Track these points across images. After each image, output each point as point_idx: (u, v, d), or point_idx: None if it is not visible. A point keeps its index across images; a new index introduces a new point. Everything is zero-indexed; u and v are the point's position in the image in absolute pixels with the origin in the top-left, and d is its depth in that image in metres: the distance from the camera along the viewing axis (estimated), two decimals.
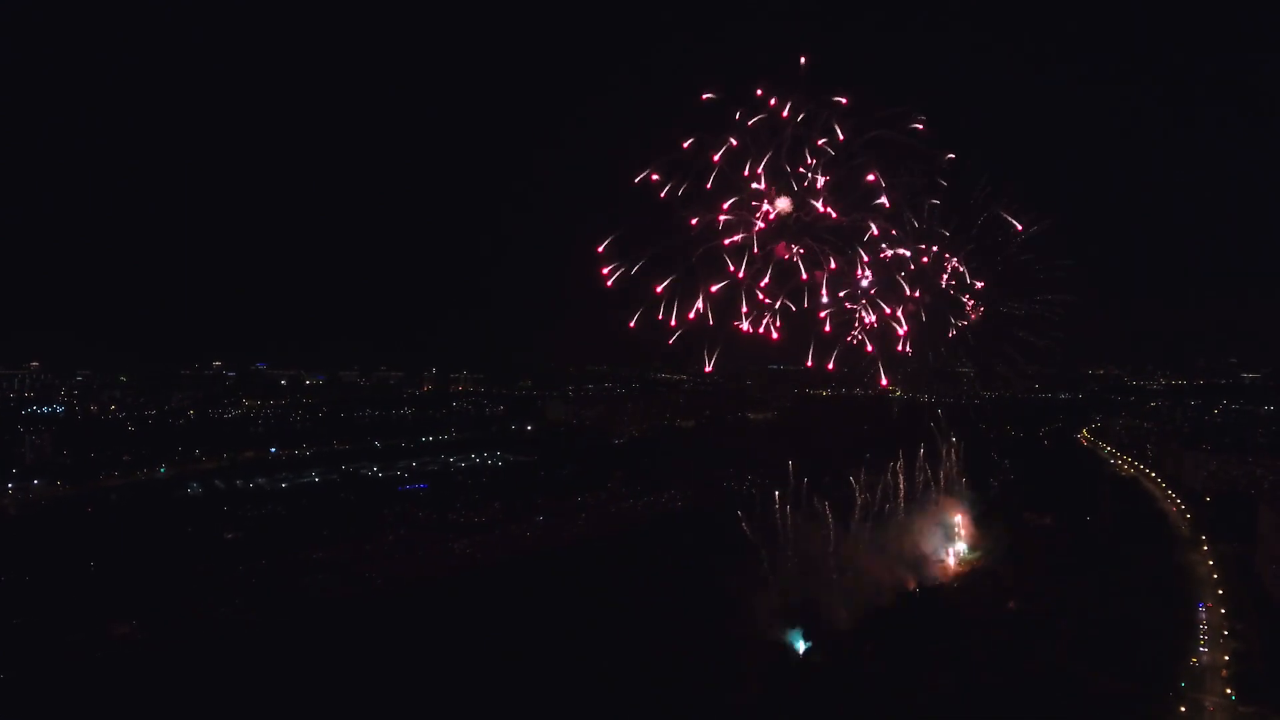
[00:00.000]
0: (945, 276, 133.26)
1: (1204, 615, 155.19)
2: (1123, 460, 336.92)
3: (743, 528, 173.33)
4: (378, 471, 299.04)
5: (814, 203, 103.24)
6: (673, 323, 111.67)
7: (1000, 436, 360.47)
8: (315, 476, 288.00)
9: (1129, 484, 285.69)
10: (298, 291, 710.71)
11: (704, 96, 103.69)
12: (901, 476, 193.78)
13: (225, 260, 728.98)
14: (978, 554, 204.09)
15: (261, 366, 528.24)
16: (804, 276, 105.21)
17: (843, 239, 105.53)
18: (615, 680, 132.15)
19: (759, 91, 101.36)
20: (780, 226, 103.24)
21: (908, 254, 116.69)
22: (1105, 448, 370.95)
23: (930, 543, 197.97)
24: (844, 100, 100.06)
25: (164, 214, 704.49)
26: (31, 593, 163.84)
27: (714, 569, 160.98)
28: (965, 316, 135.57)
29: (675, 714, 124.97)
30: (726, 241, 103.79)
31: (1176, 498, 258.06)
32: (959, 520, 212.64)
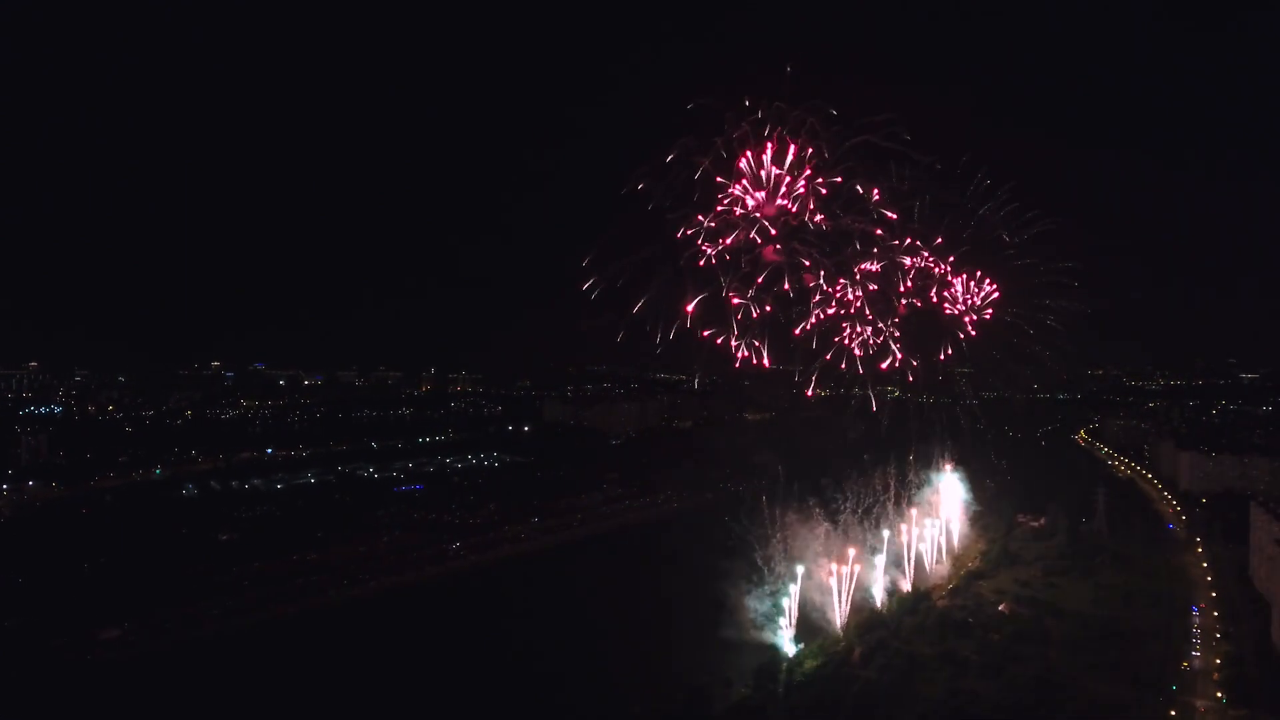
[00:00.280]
0: (938, 283, 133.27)
1: (1197, 618, 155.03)
2: (1120, 461, 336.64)
3: (737, 530, 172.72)
4: (374, 473, 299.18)
5: (799, 207, 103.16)
6: (657, 337, 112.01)
7: (998, 437, 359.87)
8: (311, 478, 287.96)
9: (1125, 485, 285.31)
10: (297, 292, 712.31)
11: (692, 104, 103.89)
12: (895, 478, 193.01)
13: (225, 260, 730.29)
14: (971, 556, 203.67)
15: (260, 367, 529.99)
16: (786, 286, 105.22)
17: (831, 244, 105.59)
18: (608, 681, 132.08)
19: (746, 100, 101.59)
20: (768, 231, 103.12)
21: (905, 260, 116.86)
22: (1102, 449, 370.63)
23: (923, 545, 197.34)
24: (832, 110, 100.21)
25: (164, 214, 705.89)
26: (22, 596, 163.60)
27: (707, 571, 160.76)
28: (962, 327, 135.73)
29: (667, 715, 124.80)
30: (712, 250, 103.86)
31: (1172, 499, 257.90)
32: (953, 522, 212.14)
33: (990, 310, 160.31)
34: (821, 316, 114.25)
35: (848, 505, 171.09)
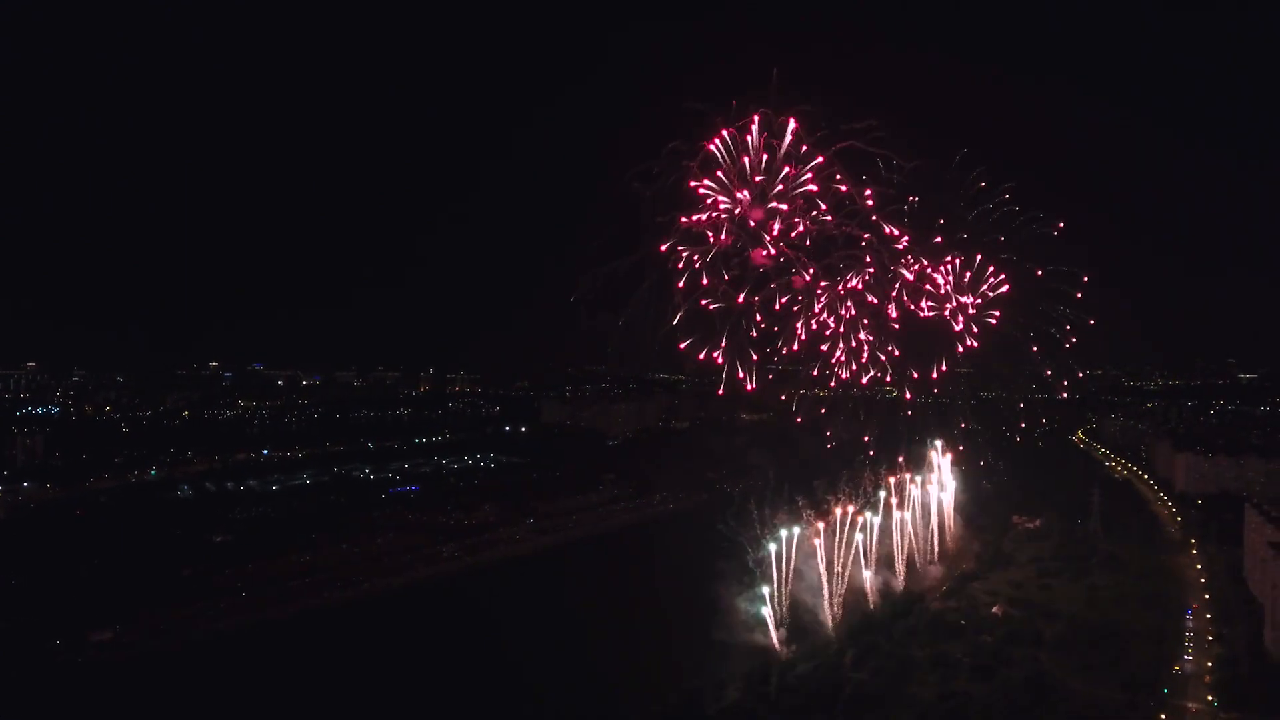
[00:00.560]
0: (936, 287, 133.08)
1: (1190, 620, 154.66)
2: (1116, 462, 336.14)
3: (731, 531, 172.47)
4: (369, 473, 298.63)
5: (788, 209, 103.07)
6: (650, 338, 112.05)
7: (995, 437, 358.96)
8: (307, 478, 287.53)
9: (1121, 486, 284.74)
10: (295, 292, 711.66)
11: (684, 107, 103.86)
12: (892, 480, 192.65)
13: (224, 261, 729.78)
14: (965, 557, 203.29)
15: (258, 367, 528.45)
16: (775, 288, 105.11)
17: (819, 248, 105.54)
18: (600, 684, 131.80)
19: (734, 102, 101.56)
20: (755, 234, 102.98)
21: (902, 270, 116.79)
22: (1100, 449, 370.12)
23: (917, 547, 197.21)
24: (812, 110, 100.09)
25: (164, 214, 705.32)
26: (15, 597, 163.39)
27: (701, 573, 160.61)
28: (961, 340, 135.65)
29: (660, 717, 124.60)
30: (698, 254, 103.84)
31: (1168, 500, 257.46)
32: (947, 523, 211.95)
33: (997, 314, 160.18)
34: (814, 326, 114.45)
35: (843, 507, 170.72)
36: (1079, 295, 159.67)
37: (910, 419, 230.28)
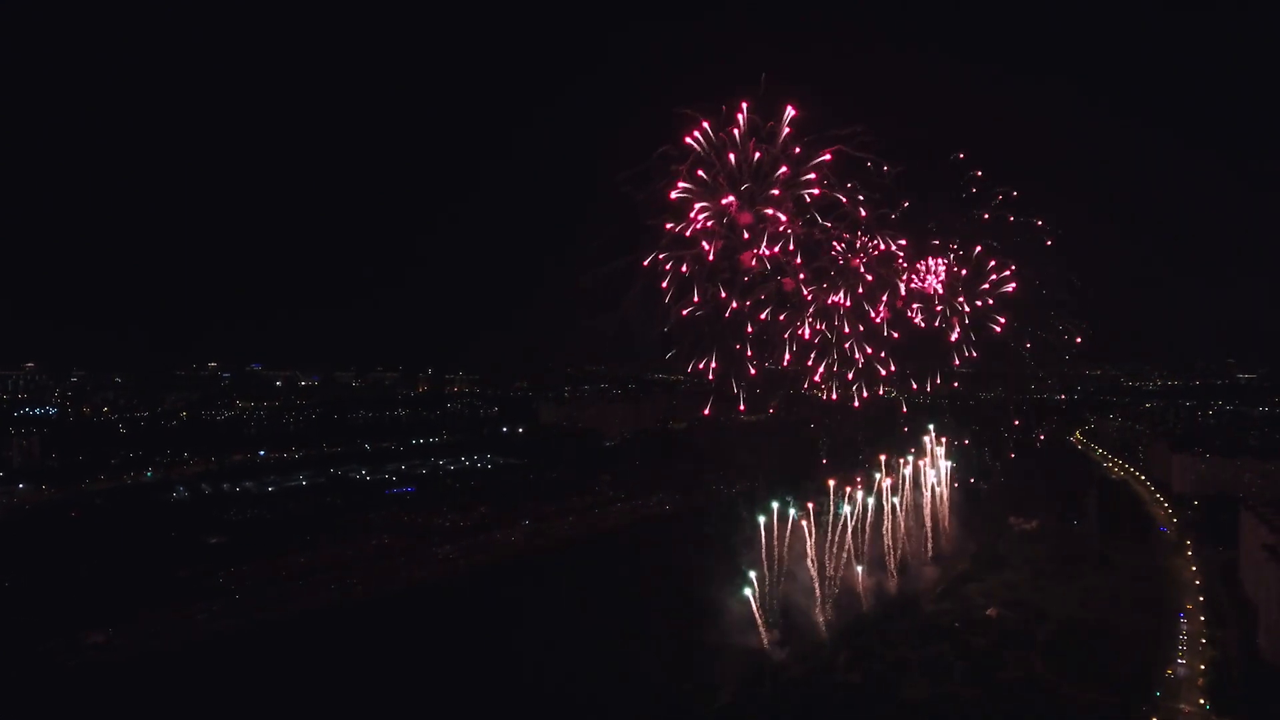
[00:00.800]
0: (931, 292, 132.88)
1: (1184, 623, 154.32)
2: (1114, 463, 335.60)
3: (726, 532, 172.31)
4: (366, 475, 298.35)
5: (776, 215, 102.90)
6: (645, 339, 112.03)
7: (993, 438, 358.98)
8: (303, 480, 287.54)
9: (1118, 487, 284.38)
10: (294, 292, 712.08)
11: (674, 111, 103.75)
12: (888, 480, 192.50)
13: (223, 261, 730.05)
14: (960, 558, 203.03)
15: (257, 367, 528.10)
16: (765, 297, 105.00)
17: (809, 252, 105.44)
18: (592, 686, 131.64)
19: (724, 107, 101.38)
20: (745, 236, 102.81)
21: (898, 279, 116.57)
22: (1097, 450, 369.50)
23: (911, 548, 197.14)
24: (795, 110, 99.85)
25: (163, 215, 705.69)
26: (7, 599, 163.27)
27: (694, 575, 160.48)
28: (960, 351, 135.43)
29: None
30: (689, 257, 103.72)
31: (1165, 501, 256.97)
32: (942, 524, 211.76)
33: (1002, 320, 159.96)
34: (805, 336, 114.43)
35: (837, 508, 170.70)
36: (1077, 296, 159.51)
37: (906, 416, 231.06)
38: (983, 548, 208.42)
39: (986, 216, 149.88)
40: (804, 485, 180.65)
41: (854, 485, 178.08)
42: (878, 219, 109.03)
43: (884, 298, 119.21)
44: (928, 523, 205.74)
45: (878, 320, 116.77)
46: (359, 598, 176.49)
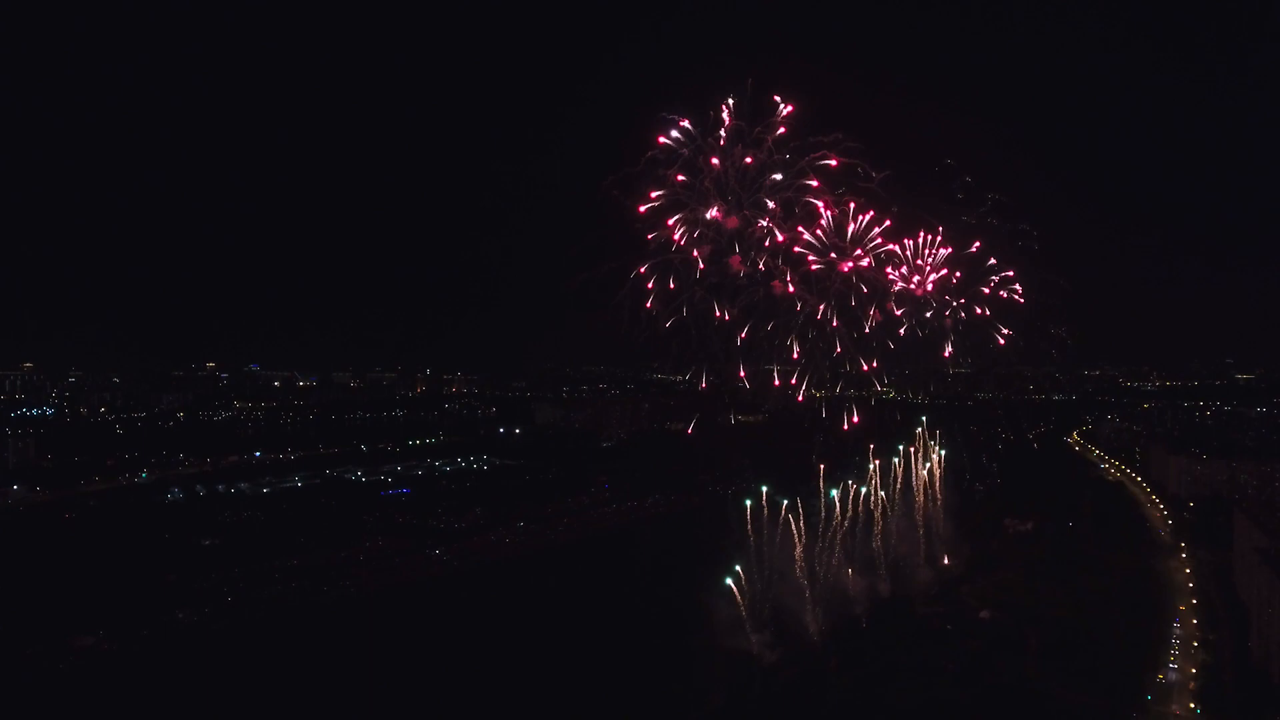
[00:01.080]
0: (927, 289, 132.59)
1: (1177, 625, 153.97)
2: (1111, 464, 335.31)
3: (720, 534, 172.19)
4: (361, 476, 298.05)
5: (763, 220, 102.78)
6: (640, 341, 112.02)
7: (990, 438, 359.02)
8: (298, 481, 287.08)
9: (1115, 489, 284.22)
10: (294, 292, 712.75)
11: (661, 116, 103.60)
12: (883, 481, 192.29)
13: (222, 261, 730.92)
14: (955, 562, 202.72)
15: (255, 368, 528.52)
16: (755, 300, 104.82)
17: (799, 259, 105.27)
18: (584, 689, 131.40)
19: (711, 113, 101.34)
20: (731, 241, 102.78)
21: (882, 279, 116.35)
22: (1094, 451, 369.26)
23: (906, 552, 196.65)
24: (789, 107, 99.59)
25: (163, 215, 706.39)
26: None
27: (687, 577, 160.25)
28: (955, 363, 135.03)
29: None
30: (671, 274, 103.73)
31: (1160, 503, 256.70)
32: (938, 529, 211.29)
33: (1006, 332, 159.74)
34: (796, 342, 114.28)
35: (832, 510, 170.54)
36: (1068, 300, 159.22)
37: (900, 419, 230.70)
38: (976, 550, 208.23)
39: (976, 221, 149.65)
40: (799, 487, 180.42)
41: (848, 487, 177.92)
42: (867, 223, 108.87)
43: (875, 303, 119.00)
44: (921, 525, 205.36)
45: (869, 326, 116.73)
46: (353, 599, 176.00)
